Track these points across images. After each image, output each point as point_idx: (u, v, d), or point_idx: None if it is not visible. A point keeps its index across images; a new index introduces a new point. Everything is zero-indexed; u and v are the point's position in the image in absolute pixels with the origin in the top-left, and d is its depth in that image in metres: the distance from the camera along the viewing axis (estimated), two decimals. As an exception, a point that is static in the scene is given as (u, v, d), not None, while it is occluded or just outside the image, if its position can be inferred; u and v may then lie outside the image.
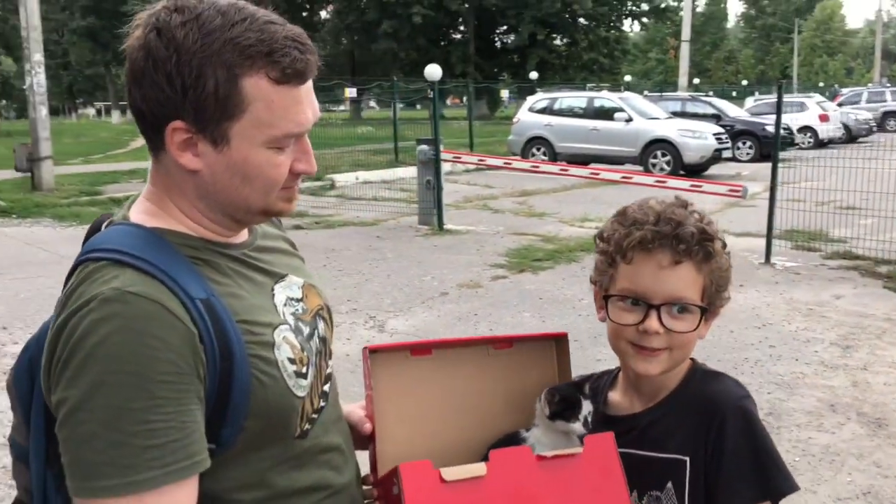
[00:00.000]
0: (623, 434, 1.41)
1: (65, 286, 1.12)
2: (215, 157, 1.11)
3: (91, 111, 61.59)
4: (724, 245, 1.39)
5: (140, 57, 1.07)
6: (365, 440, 1.37)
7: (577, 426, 1.35)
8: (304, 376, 1.21)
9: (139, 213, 1.18)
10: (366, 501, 1.33)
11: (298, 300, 1.27)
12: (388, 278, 7.93)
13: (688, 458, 1.34)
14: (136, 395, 1.01)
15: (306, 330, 1.24)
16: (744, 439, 1.31)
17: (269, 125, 1.10)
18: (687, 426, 1.36)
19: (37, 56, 13.40)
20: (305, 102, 1.13)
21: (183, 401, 1.04)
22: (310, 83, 1.15)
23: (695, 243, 1.32)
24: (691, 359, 1.45)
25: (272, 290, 1.23)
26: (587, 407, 1.37)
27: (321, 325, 1.30)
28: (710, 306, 1.37)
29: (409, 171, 12.54)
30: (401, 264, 8.58)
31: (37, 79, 13.46)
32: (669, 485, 1.35)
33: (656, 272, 1.33)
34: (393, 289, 7.50)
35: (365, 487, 1.35)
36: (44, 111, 13.73)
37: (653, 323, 1.33)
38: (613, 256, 1.39)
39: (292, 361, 1.18)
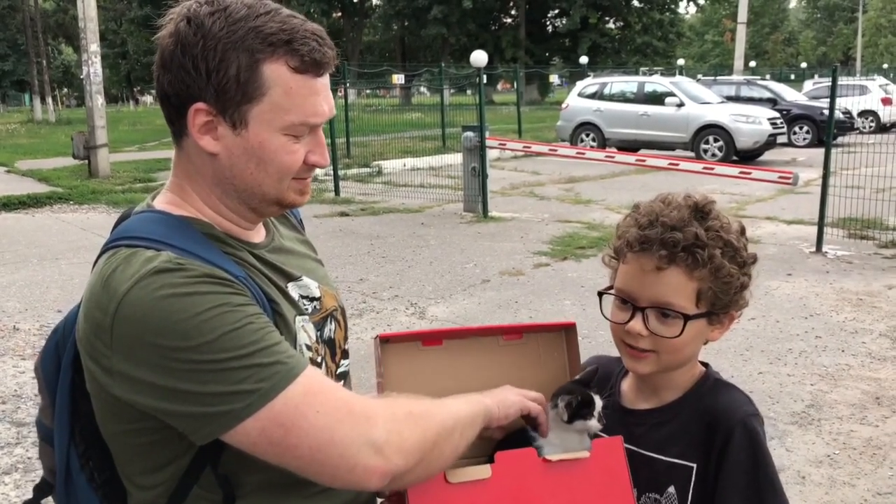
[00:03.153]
0: (631, 426, 1.40)
1: (93, 272, 1.15)
2: (233, 139, 1.15)
3: (148, 99, 63.05)
4: (738, 250, 1.33)
5: (170, 43, 1.14)
6: None
7: (594, 423, 1.34)
8: (319, 365, 1.25)
9: (164, 203, 1.23)
10: (379, 501, 1.34)
11: (314, 299, 1.30)
12: (431, 265, 7.97)
13: (695, 466, 1.33)
14: (232, 318, 1.07)
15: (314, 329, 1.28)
16: (745, 457, 1.29)
17: (286, 111, 1.14)
18: (692, 434, 1.34)
19: (93, 46, 13.74)
20: (322, 95, 1.18)
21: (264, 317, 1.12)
22: (327, 78, 1.19)
23: (680, 250, 1.29)
24: (705, 365, 1.43)
25: (286, 286, 1.27)
26: (599, 403, 1.36)
27: (331, 325, 1.34)
28: (712, 312, 1.33)
29: (457, 158, 12.52)
30: (444, 251, 8.61)
31: (93, 69, 13.82)
32: (671, 489, 1.34)
33: (641, 275, 1.32)
34: (435, 276, 7.54)
35: None
36: (100, 100, 14.09)
37: (635, 325, 1.33)
38: (617, 252, 1.39)
39: (309, 349, 1.24)
